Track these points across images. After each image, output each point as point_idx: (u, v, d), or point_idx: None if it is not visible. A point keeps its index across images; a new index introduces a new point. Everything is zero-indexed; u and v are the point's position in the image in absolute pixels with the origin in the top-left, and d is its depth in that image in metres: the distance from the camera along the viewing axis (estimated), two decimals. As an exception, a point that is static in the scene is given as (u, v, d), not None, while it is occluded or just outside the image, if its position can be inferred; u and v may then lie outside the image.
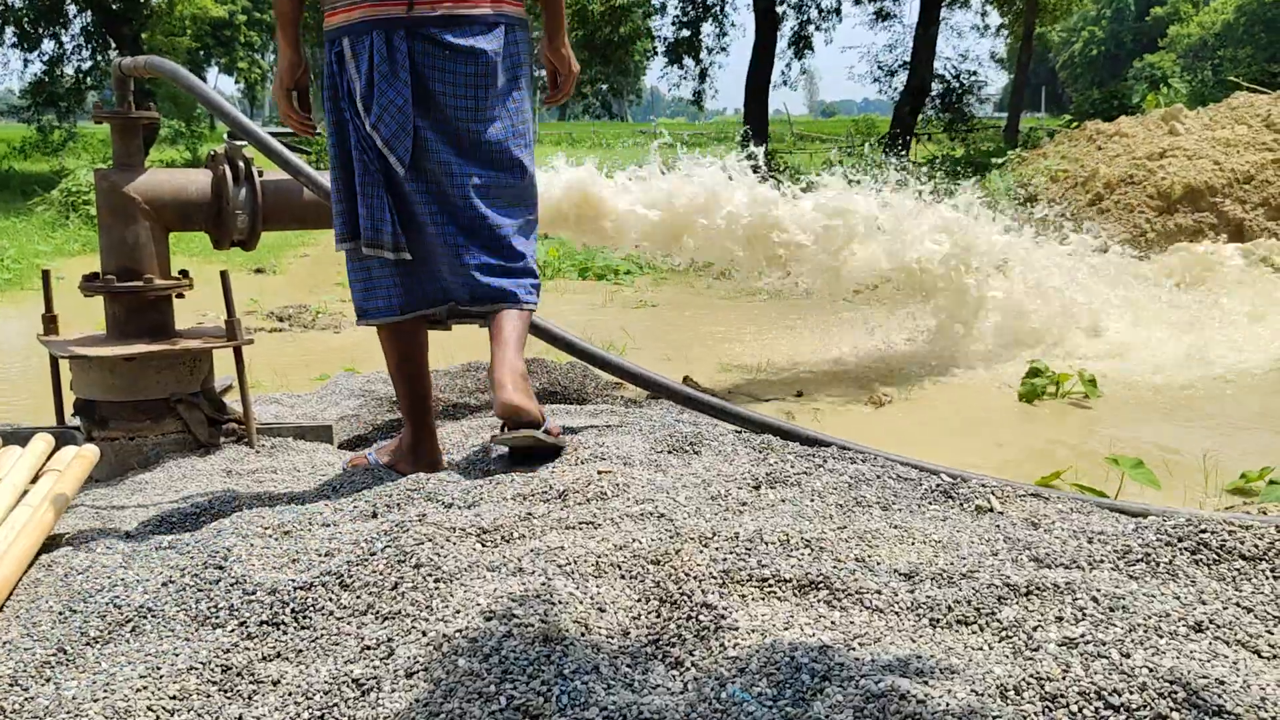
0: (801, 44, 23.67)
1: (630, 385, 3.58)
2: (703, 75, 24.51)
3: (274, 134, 3.16)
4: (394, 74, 2.43)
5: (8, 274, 7.96)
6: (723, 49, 24.10)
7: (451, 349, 4.76)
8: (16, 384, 4.85)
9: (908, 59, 21.25)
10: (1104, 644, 1.48)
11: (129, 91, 3.11)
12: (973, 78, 22.91)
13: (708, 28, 23.48)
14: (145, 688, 1.55)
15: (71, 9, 22.56)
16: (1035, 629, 1.54)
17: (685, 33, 23.19)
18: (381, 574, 1.79)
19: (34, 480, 2.41)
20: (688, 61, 23.93)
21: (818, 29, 23.56)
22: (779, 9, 22.11)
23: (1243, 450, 3.67)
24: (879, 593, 1.66)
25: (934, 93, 21.58)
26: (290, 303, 6.84)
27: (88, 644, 1.71)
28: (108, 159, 15.35)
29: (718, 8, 23.23)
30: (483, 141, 2.54)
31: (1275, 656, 1.50)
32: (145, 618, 1.77)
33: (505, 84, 2.55)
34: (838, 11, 23.52)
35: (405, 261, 2.55)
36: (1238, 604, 1.62)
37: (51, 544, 2.19)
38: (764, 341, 5.75)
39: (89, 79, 23.39)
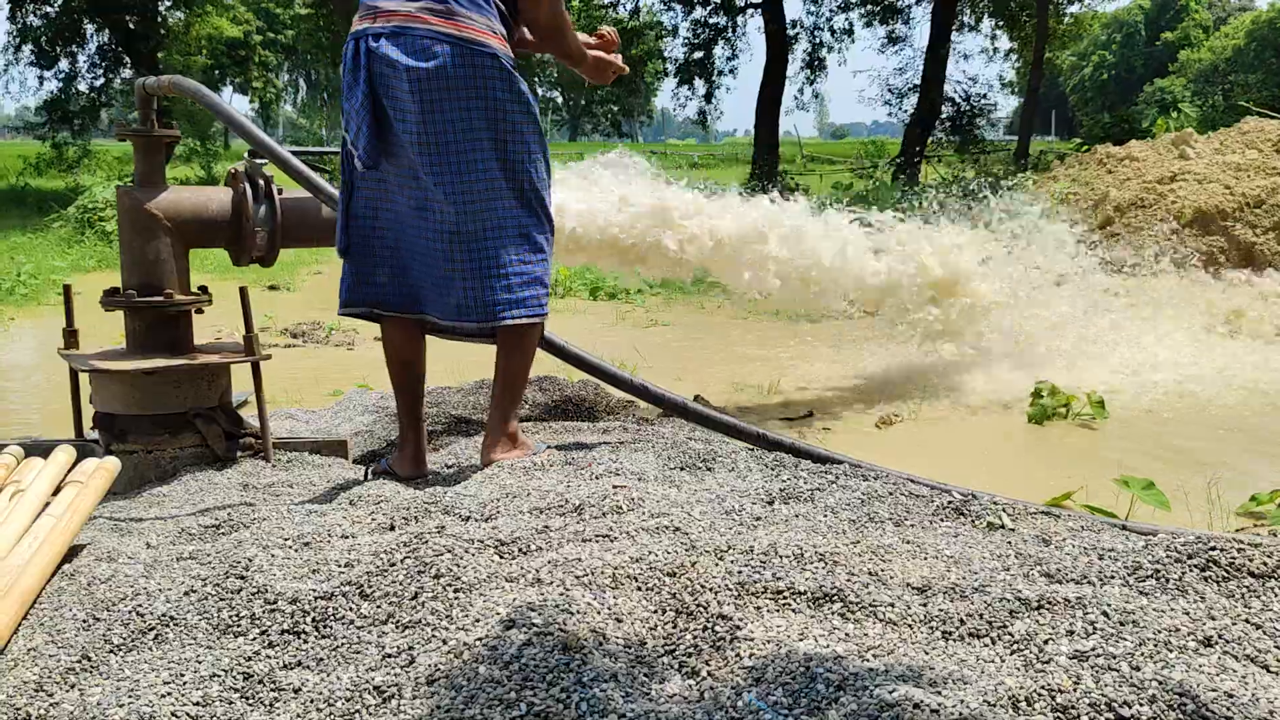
0: (815, 65, 23.82)
1: (641, 402, 3.61)
2: (709, 96, 24.65)
3: (294, 152, 3.20)
4: (355, 81, 2.66)
5: (25, 289, 8.03)
6: (732, 71, 24.25)
7: (465, 366, 4.79)
8: (34, 398, 4.90)
9: (918, 82, 21.35)
10: (1114, 657, 1.50)
11: (152, 110, 3.16)
12: (982, 101, 23.01)
13: (718, 49, 23.64)
14: (169, 694, 1.58)
15: (89, 28, 22.82)
16: (1046, 642, 1.57)
17: (698, 54, 23.34)
18: (401, 584, 1.82)
19: (56, 491, 2.45)
20: (697, 82, 24.08)
21: (830, 51, 23.71)
22: (790, 31, 22.26)
23: (1253, 473, 3.68)
24: (892, 605, 1.69)
25: (944, 115, 21.68)
26: (304, 319, 6.89)
27: (111, 651, 1.74)
28: (123, 175, 15.50)
29: (729, 30, 23.39)
30: (431, 163, 2.65)
31: (1284, 671, 1.51)
32: (168, 626, 1.80)
33: (460, 109, 2.62)
34: (850, 32, 23.67)
35: (358, 259, 2.80)
36: (1246, 620, 1.64)
37: (73, 554, 2.22)
38: (774, 361, 5.78)
39: (103, 97, 23.63)
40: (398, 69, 2.59)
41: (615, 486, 2.37)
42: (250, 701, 1.58)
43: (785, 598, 1.73)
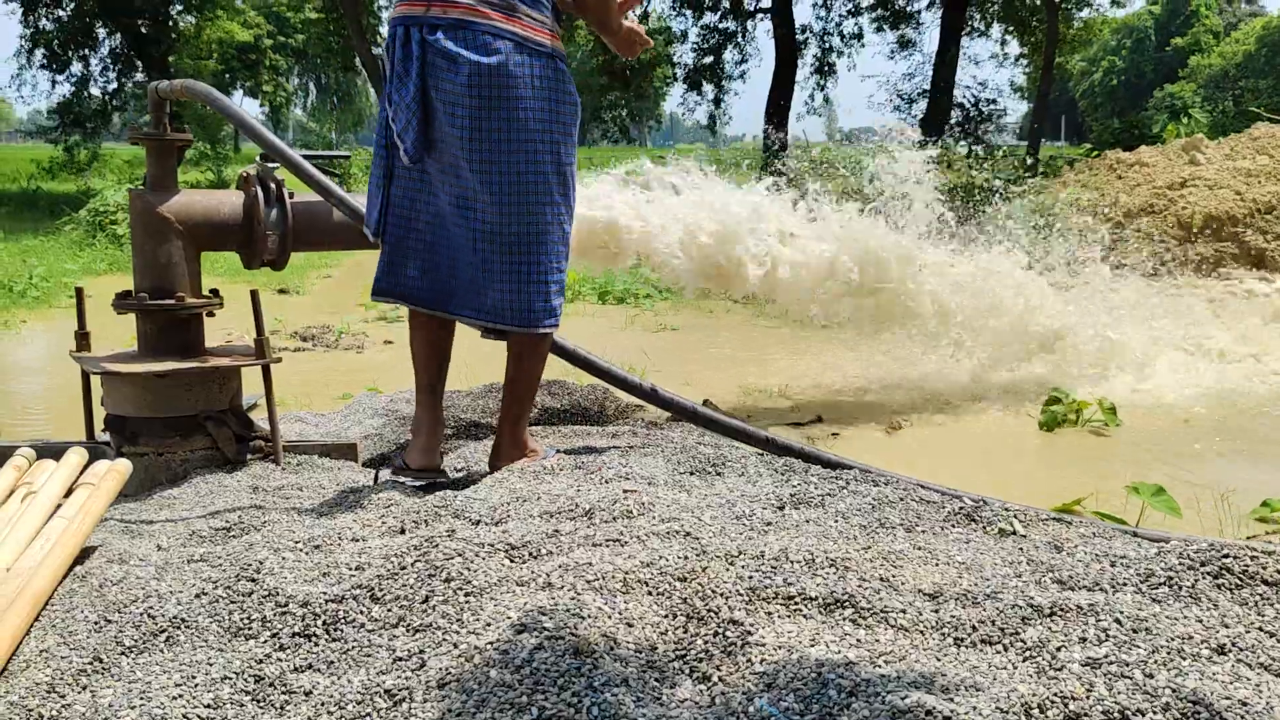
0: (825, 70, 23.83)
1: (650, 407, 3.61)
2: (717, 101, 24.66)
3: (306, 156, 3.21)
4: (406, 72, 2.60)
5: (37, 292, 8.05)
6: (741, 76, 24.28)
7: (475, 369, 4.80)
8: (45, 400, 4.92)
9: (927, 87, 21.35)
10: (1127, 664, 1.50)
11: (165, 114, 3.17)
12: (991, 106, 22.99)
13: (728, 54, 23.67)
14: (180, 696, 1.59)
15: (101, 32, 22.93)
16: (1059, 649, 1.56)
17: (707, 59, 23.36)
18: (412, 587, 1.82)
19: (68, 493, 2.45)
20: (707, 87, 24.10)
21: (840, 55, 23.73)
22: (800, 37, 22.28)
23: (1265, 480, 3.67)
24: (904, 612, 1.68)
25: (953, 120, 21.66)
26: (314, 323, 6.91)
27: (123, 653, 1.75)
28: (133, 179, 15.56)
29: (739, 35, 23.41)
30: (479, 161, 2.61)
31: (1298, 680, 1.51)
32: (179, 628, 1.80)
33: (517, 107, 2.59)
34: (860, 37, 23.68)
35: (392, 247, 2.77)
36: (1260, 628, 1.64)
37: (85, 556, 2.23)
38: (783, 366, 5.77)
39: (114, 101, 23.74)
40: (457, 63, 2.55)
41: (625, 491, 2.37)
42: (261, 704, 1.59)
43: (796, 603, 1.73)
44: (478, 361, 5.04)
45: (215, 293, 3.22)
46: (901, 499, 2.35)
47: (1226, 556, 1.84)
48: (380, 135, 2.74)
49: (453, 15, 2.57)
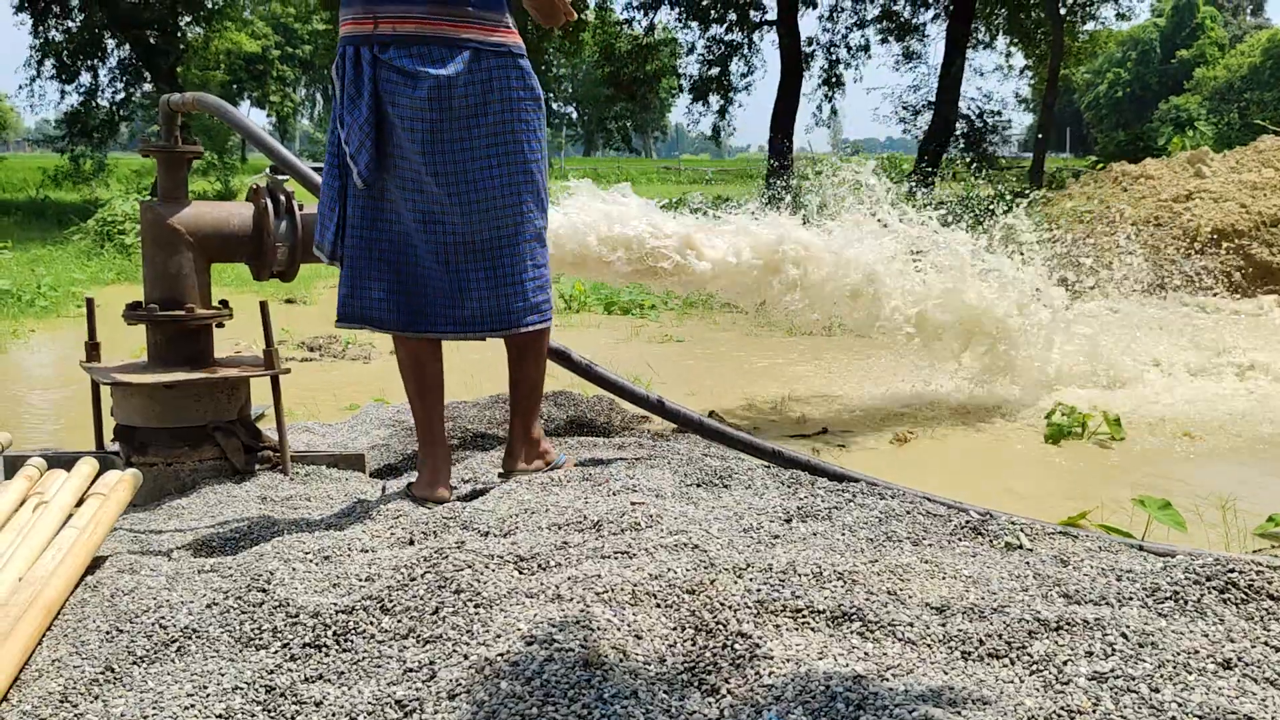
0: (832, 82, 23.90)
1: (656, 418, 3.62)
2: (723, 112, 24.74)
3: (315, 168, 3.23)
4: (358, 93, 2.56)
5: (45, 301, 8.08)
6: (746, 88, 24.35)
7: (479, 380, 4.82)
8: (54, 409, 4.94)
9: (932, 99, 21.39)
10: (1133, 679, 1.50)
11: (176, 126, 3.20)
12: (996, 118, 23.03)
13: (733, 65, 23.74)
14: (191, 706, 1.60)
15: (110, 43, 23.07)
16: (1065, 663, 1.57)
17: (714, 71, 23.44)
18: (422, 599, 1.83)
19: (79, 503, 2.47)
20: (712, 98, 24.17)
21: (847, 67, 23.80)
22: (806, 49, 22.34)
23: (1272, 494, 3.67)
24: (911, 625, 1.69)
25: (958, 132, 21.70)
26: (321, 333, 6.93)
27: (134, 663, 1.76)
28: (140, 189, 15.64)
29: (745, 46, 23.48)
30: (443, 173, 2.58)
31: (1304, 695, 1.51)
32: (190, 638, 1.81)
33: (477, 113, 2.57)
34: (866, 49, 23.76)
35: (354, 270, 2.68)
36: (1266, 643, 1.64)
37: (96, 565, 2.24)
38: (788, 377, 5.78)
39: (121, 111, 23.87)
40: (416, 79, 2.52)
41: (633, 503, 2.38)
42: (272, 714, 1.60)
43: (804, 616, 1.74)
44: (481, 372, 5.06)
45: (224, 304, 3.24)
46: (908, 512, 2.36)
47: (1232, 571, 1.85)
48: (331, 157, 2.68)
49: (404, 31, 2.53)
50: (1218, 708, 1.40)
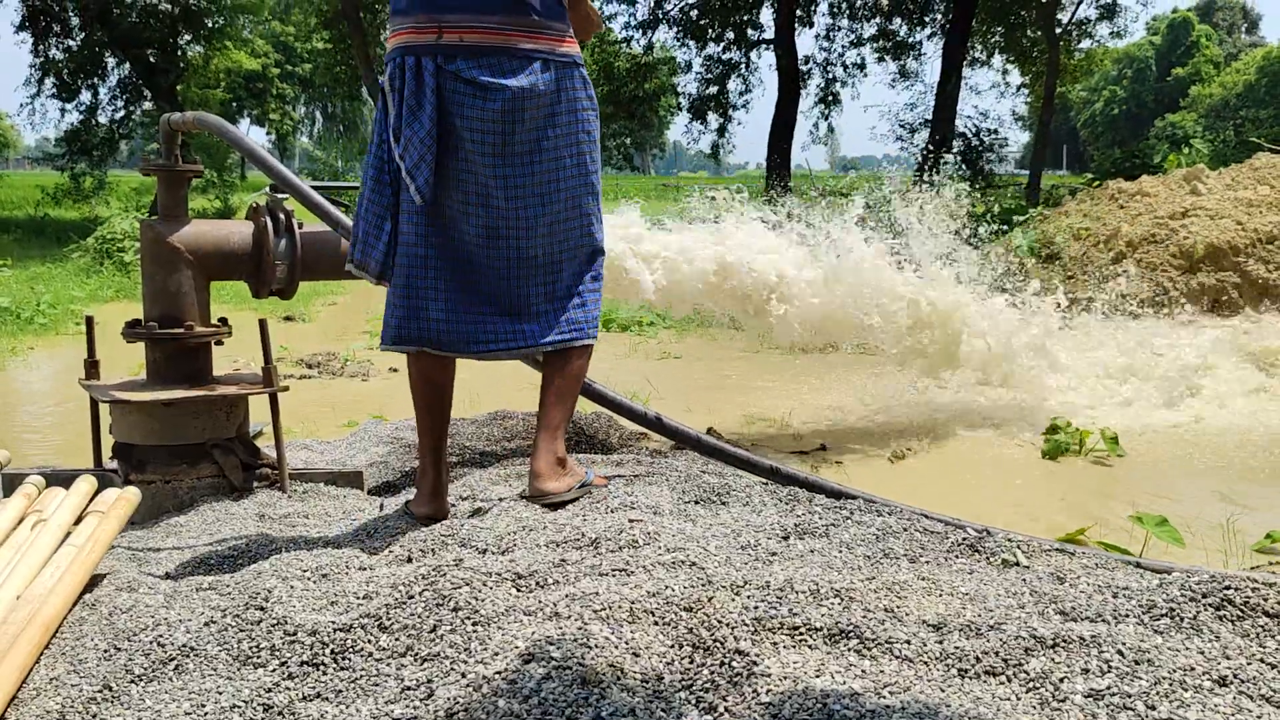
0: (829, 100, 24.02)
1: (654, 435, 3.62)
2: (721, 130, 24.85)
3: (315, 187, 3.25)
4: (419, 105, 2.46)
5: (44, 319, 8.10)
6: (744, 106, 24.46)
7: (480, 397, 4.82)
8: (52, 427, 4.94)
9: (929, 117, 21.49)
10: (1129, 696, 1.50)
11: (176, 145, 3.21)
12: (993, 136, 23.12)
13: (731, 84, 23.87)
14: (189, 724, 1.60)
15: (110, 61, 23.17)
16: (1062, 680, 1.57)
17: (712, 89, 23.55)
18: (420, 617, 1.83)
19: (77, 521, 2.47)
20: (711, 117, 24.28)
21: (843, 85, 23.93)
22: (803, 67, 22.45)
23: (1269, 512, 3.67)
24: (908, 643, 1.70)
25: (955, 150, 21.78)
26: (319, 350, 6.94)
27: (132, 681, 1.76)
28: (139, 206, 15.66)
29: (742, 65, 23.61)
30: (512, 185, 2.54)
31: (1300, 712, 1.51)
32: (188, 656, 1.81)
33: (544, 125, 2.53)
34: (862, 67, 23.88)
35: (409, 292, 2.56)
36: (1262, 660, 1.64)
37: (94, 583, 2.24)
38: (786, 394, 5.79)
39: (121, 129, 23.96)
40: (488, 91, 2.44)
41: (631, 520, 2.38)
42: (270, 733, 1.60)
43: (801, 634, 1.74)
44: (483, 389, 5.06)
45: (224, 321, 3.25)
46: (905, 529, 2.36)
47: (1228, 588, 1.85)
48: (377, 171, 2.57)
49: (472, 41, 2.45)
50: (1214, 725, 1.41)
